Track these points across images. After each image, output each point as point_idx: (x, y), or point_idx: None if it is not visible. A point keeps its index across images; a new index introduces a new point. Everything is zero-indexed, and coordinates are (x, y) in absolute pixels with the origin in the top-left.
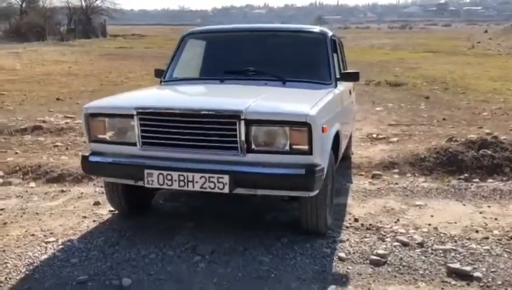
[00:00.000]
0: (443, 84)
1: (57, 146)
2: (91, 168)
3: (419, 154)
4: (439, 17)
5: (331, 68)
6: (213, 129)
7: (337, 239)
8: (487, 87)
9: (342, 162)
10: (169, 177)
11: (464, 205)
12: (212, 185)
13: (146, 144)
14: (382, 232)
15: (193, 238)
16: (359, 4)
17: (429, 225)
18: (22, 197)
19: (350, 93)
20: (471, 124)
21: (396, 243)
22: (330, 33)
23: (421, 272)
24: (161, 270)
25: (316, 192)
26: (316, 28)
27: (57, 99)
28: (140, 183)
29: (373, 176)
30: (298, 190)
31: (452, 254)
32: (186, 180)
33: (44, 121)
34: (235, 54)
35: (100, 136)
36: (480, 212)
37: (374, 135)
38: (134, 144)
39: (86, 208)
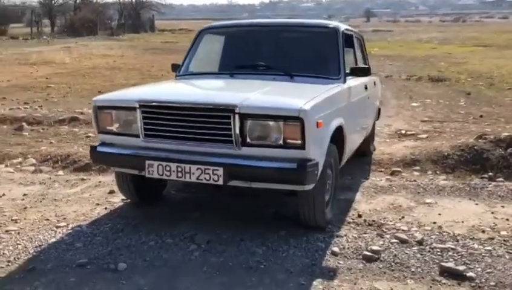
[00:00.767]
0: (488, 80)
1: (89, 137)
2: (98, 158)
3: (442, 152)
4: (496, 9)
5: (341, 63)
6: (209, 122)
7: (335, 234)
8: None
9: (362, 158)
10: (167, 168)
11: (476, 204)
12: (207, 176)
13: (148, 136)
14: (383, 229)
15: (195, 228)
16: None
17: (435, 223)
18: (45, 184)
19: (367, 88)
20: (509, 122)
21: (394, 240)
22: (342, 28)
23: (413, 269)
24: (157, 257)
25: (310, 186)
26: (328, 23)
27: (99, 92)
28: (142, 173)
29: (392, 173)
30: (290, 183)
31: (450, 253)
32: (183, 172)
33: (82, 113)
34: (248, 48)
35: (108, 127)
36: (492, 212)
37: (403, 131)
38: (138, 136)
39: (101, 196)
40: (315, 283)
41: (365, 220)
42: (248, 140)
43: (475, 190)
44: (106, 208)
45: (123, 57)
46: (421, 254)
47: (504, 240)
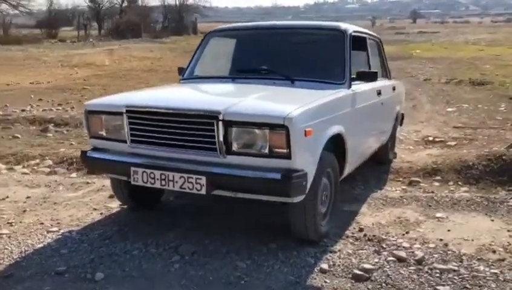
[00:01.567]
0: None
1: None
2: (88, 163)
3: (467, 161)
4: None
5: (346, 68)
6: (194, 129)
7: (329, 249)
8: None
9: (380, 166)
10: (152, 175)
11: (492, 220)
12: (190, 185)
13: (135, 142)
14: (383, 245)
15: (183, 237)
16: None
17: (441, 240)
18: (49, 186)
19: (380, 93)
20: None
21: (391, 258)
22: (350, 30)
23: None
24: (136, 267)
25: (298, 198)
26: (336, 25)
27: None
28: (130, 179)
29: (410, 183)
30: (275, 195)
31: (450, 275)
32: (167, 180)
33: None
34: (253, 52)
35: (98, 132)
36: (508, 230)
37: (431, 138)
38: (125, 141)
39: (101, 200)
40: None
41: (365, 235)
42: (233, 148)
43: (494, 205)
44: (101, 214)
45: (161, 59)
46: (417, 275)
47: None
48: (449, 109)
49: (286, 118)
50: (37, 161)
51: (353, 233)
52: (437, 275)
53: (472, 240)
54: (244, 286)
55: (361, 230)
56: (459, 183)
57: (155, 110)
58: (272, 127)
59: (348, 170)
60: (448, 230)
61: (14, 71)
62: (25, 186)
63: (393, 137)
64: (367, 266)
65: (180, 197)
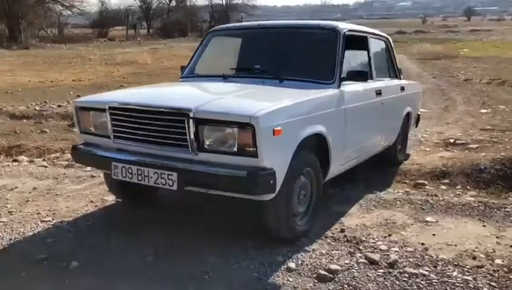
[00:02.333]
0: None
1: None
2: (77, 157)
3: (479, 165)
4: None
5: (336, 67)
6: (167, 126)
7: (302, 248)
8: None
9: (388, 168)
10: (130, 170)
11: (484, 226)
12: (163, 181)
13: (117, 138)
14: (360, 247)
15: (166, 232)
16: None
17: (422, 244)
18: (57, 179)
19: (380, 93)
20: None
21: (363, 260)
22: (343, 30)
23: None
24: (111, 259)
25: (267, 196)
26: (329, 24)
27: None
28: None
29: (415, 185)
30: (242, 192)
31: (418, 280)
32: (142, 175)
33: None
34: (249, 51)
35: (88, 128)
36: (497, 237)
37: (452, 140)
38: (109, 137)
39: (100, 193)
40: None
41: (345, 236)
42: (205, 146)
43: (491, 210)
44: (96, 206)
45: None
46: (384, 278)
47: (494, 270)
48: (483, 111)
49: (252, 117)
50: (58, 154)
51: (333, 233)
52: (405, 279)
53: (456, 246)
54: (206, 281)
55: (342, 231)
56: (467, 187)
57: (132, 107)
58: (240, 125)
59: (335, 170)
60: (433, 234)
61: (61, 69)
62: (35, 178)
63: (403, 138)
64: (333, 266)
65: (177, 194)
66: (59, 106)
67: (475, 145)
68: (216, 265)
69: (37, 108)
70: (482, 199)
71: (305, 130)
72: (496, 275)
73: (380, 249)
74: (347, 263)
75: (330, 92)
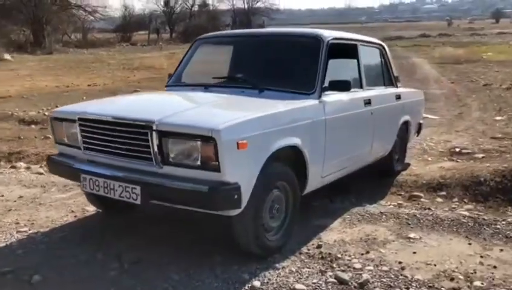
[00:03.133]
0: None
1: None
2: (51, 168)
3: (479, 177)
4: None
5: (317, 77)
6: (132, 139)
7: (272, 265)
8: None
9: (385, 179)
10: (96, 183)
11: (470, 243)
12: (127, 194)
13: (87, 149)
14: (334, 265)
15: (135, 246)
16: None
17: (400, 263)
18: (44, 187)
19: (370, 103)
20: None
21: (332, 280)
22: (327, 38)
23: None
24: (76, 272)
25: (233, 211)
26: (312, 32)
27: None
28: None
29: (410, 198)
30: (204, 208)
31: None
32: (108, 188)
33: None
34: (232, 60)
35: (62, 138)
36: (482, 256)
37: (458, 149)
38: (80, 148)
39: (82, 203)
40: None
41: (321, 252)
42: (170, 159)
43: (480, 227)
44: (75, 216)
45: None
46: None
47: None
48: (498, 118)
49: (214, 130)
50: None
51: (309, 249)
52: None
53: (435, 265)
54: None
55: (319, 247)
56: (464, 200)
57: (98, 118)
58: (202, 138)
59: (315, 183)
60: (414, 252)
61: (79, 73)
62: (23, 186)
63: (401, 148)
64: (299, 286)
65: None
66: None
67: (482, 155)
68: (179, 282)
69: (46, 113)
70: (473, 214)
71: (276, 142)
72: None
73: (353, 268)
74: (314, 283)
75: (308, 102)
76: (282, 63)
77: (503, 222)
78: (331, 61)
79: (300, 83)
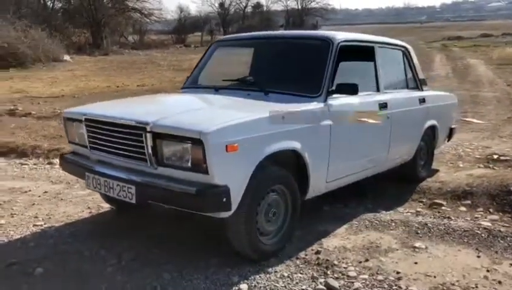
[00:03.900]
0: None
1: None
2: (63, 166)
3: (508, 185)
4: None
5: (324, 80)
6: (129, 139)
7: (264, 269)
8: None
9: (408, 185)
10: (98, 181)
11: (478, 256)
12: (124, 193)
13: (93, 149)
14: (328, 272)
15: (137, 243)
16: None
17: (398, 273)
18: (69, 183)
19: (386, 106)
20: None
21: (321, 287)
22: (338, 40)
23: None
24: (75, 267)
25: (223, 214)
26: (323, 34)
27: None
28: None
29: (431, 205)
30: (193, 209)
31: None
32: (108, 187)
33: None
34: (248, 61)
35: (74, 138)
36: (488, 270)
37: (496, 156)
38: (87, 147)
39: (99, 200)
40: None
41: (318, 258)
42: (164, 160)
43: (494, 239)
44: (91, 213)
45: None
46: None
47: None
48: None
49: (202, 133)
50: None
51: (306, 255)
52: None
53: (435, 277)
54: None
55: (317, 252)
56: (490, 209)
57: (100, 119)
58: (193, 141)
59: (319, 187)
60: (415, 262)
61: (130, 74)
62: (50, 182)
63: (427, 153)
64: None
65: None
66: None
67: None
68: (171, 281)
69: None
70: (491, 226)
71: (270, 146)
72: None
73: (347, 276)
74: (303, 289)
75: (311, 105)
76: (290, 65)
77: None
78: (342, 64)
79: (306, 86)
